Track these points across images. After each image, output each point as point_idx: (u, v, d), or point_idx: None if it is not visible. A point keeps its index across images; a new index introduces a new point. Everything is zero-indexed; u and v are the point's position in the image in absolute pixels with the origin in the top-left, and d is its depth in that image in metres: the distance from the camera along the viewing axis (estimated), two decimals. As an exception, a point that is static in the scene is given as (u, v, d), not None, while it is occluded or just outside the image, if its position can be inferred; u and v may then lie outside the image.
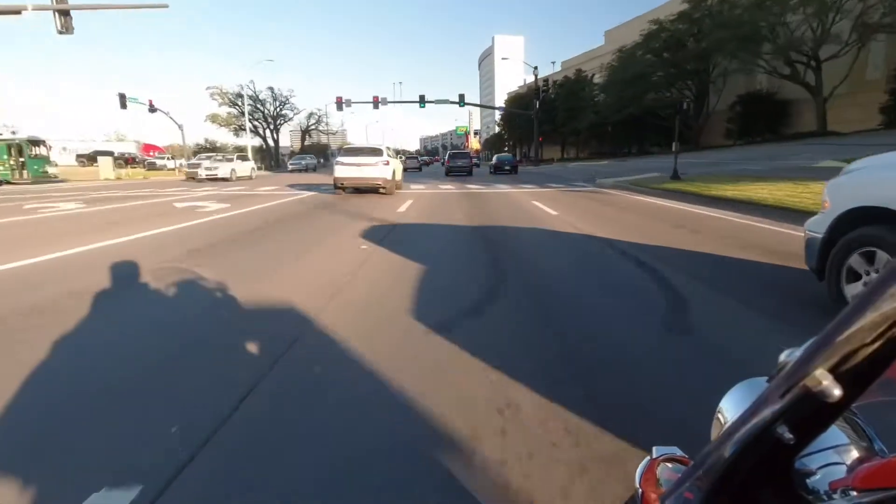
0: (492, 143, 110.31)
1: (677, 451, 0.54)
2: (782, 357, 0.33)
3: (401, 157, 21.45)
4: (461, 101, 37.41)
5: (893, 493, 0.30)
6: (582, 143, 55.99)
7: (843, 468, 0.38)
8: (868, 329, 0.26)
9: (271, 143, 65.13)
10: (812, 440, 0.32)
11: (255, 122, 63.00)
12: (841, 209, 2.78)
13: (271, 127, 63.72)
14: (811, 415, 0.30)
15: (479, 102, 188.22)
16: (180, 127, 42.35)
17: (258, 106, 61.96)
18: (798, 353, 0.31)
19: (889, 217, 2.45)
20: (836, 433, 0.40)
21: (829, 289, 2.87)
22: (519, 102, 65.35)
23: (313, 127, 67.08)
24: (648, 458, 0.54)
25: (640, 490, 0.51)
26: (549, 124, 53.61)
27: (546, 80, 36.39)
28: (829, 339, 0.28)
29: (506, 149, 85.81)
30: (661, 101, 37.07)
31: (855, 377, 0.27)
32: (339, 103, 37.50)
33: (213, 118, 57.83)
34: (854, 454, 0.39)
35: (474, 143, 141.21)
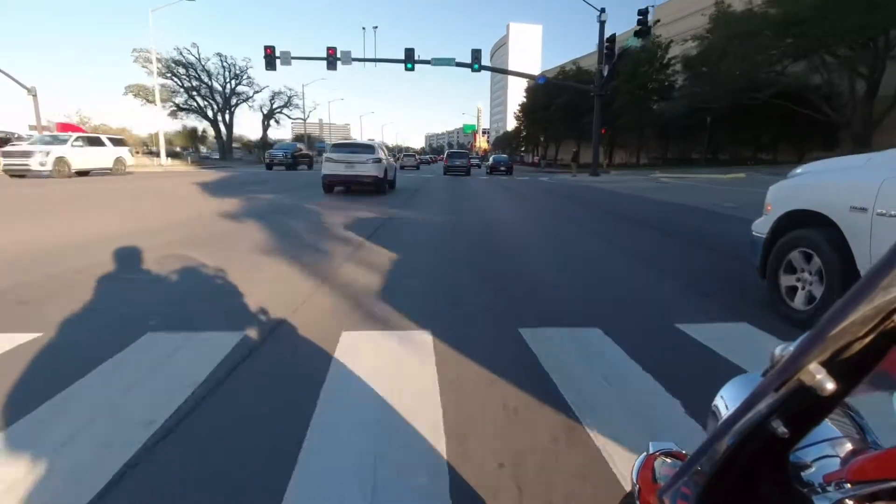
0: (505, 142, 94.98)
1: (673, 447, 0.55)
2: (776, 352, 0.33)
3: (395, 156, 23.53)
4: (475, 63, 21.51)
5: (887, 485, 0.30)
6: (638, 144, 39.53)
7: (837, 461, 0.38)
8: (860, 323, 0.26)
9: (224, 129, 49.12)
10: (806, 434, 0.32)
11: (203, 100, 47.13)
12: (780, 212, 2.98)
13: (221, 107, 47.67)
14: (805, 409, 0.30)
15: (490, 101, 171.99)
16: (30, 91, 26.46)
17: (203, 79, 45.99)
18: (792, 347, 0.31)
19: (819, 220, 2.63)
20: (829, 426, 0.41)
21: (768, 287, 3.04)
22: (545, 91, 49.46)
23: (279, 110, 51.03)
24: (645, 453, 0.55)
25: (638, 485, 0.52)
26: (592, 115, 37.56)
27: (646, 22, 20.34)
28: (823, 334, 0.27)
29: (522, 149, 70.51)
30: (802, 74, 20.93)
31: (848, 371, 0.27)
32: (270, 56, 21.58)
33: (138, 91, 41.84)
34: (848, 447, 0.40)
35: (482, 143, 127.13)
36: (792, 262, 2.87)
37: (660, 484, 0.49)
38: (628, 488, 0.55)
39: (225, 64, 46.40)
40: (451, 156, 27.28)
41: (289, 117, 51.96)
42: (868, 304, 0.25)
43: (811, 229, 2.74)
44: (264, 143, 50.83)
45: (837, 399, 0.28)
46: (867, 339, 0.26)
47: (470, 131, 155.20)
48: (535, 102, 54.58)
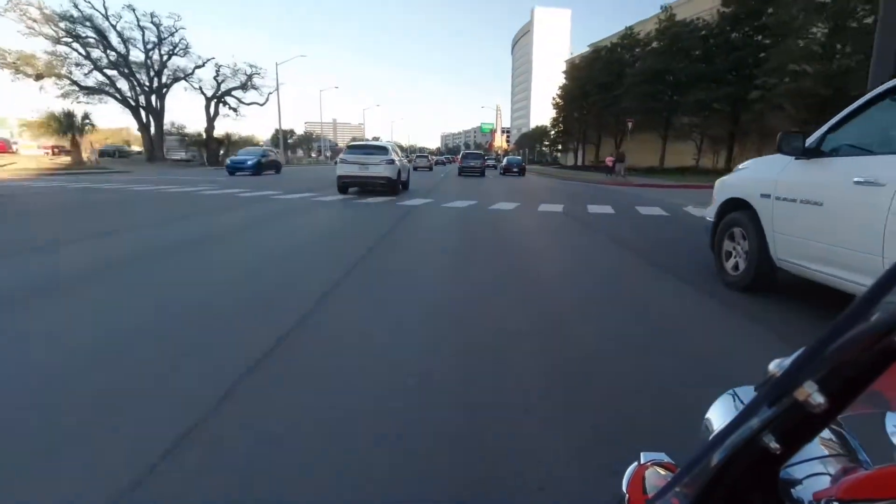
0: (533, 140, 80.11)
1: (665, 458, 0.56)
2: (771, 367, 0.34)
3: (407, 157, 25.09)
4: None
5: None
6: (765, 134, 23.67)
7: (828, 479, 0.40)
8: (856, 341, 0.27)
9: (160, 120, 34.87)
10: (798, 450, 0.32)
11: (124, 78, 32.80)
12: (720, 200, 4.10)
13: (147, 87, 33.05)
14: (798, 425, 0.31)
15: (510, 97, 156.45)
16: None
17: (112, 42, 31.48)
18: (787, 363, 0.32)
19: (744, 205, 3.75)
20: (821, 444, 0.43)
21: (714, 257, 4.23)
22: (608, 59, 34.30)
23: (228, 92, 36.27)
24: (636, 463, 0.57)
25: (627, 495, 0.54)
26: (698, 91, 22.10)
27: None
28: (818, 350, 0.29)
29: (559, 147, 63.45)
30: None
31: (842, 389, 0.28)
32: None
33: (4, 59, 27.54)
34: (839, 465, 0.41)
35: (501, 142, 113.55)
36: (728, 238, 3.99)
37: (649, 495, 0.50)
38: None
39: (146, 24, 31.69)
40: (465, 157, 29.07)
41: (241, 102, 37.27)
42: (864, 323, 0.26)
43: (740, 212, 3.80)
44: (208, 137, 36.07)
45: (830, 417, 0.29)
46: (862, 358, 0.27)
47: (488, 130, 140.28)
48: (589, 78, 38.94)
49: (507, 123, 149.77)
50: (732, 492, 0.35)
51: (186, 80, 38.28)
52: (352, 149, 12.96)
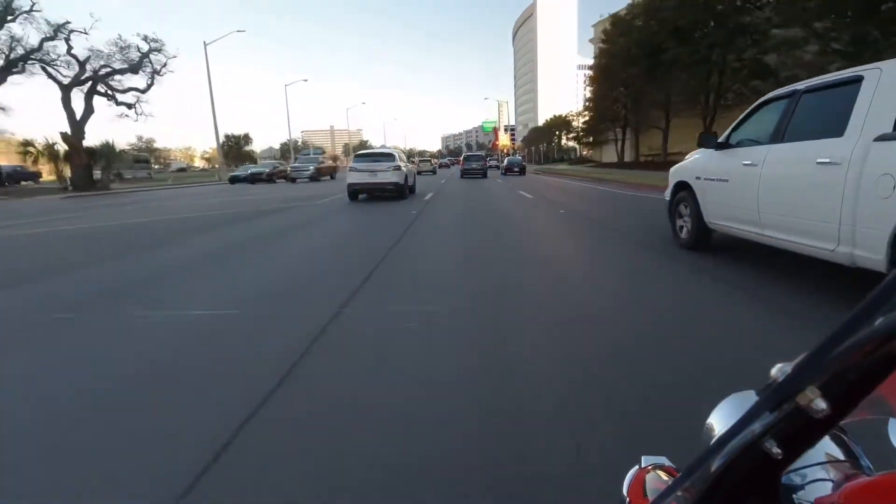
0: (549, 132, 68.91)
1: (665, 461, 0.57)
2: (773, 372, 0.33)
3: (412, 160, 27.37)
4: None
5: None
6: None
7: (830, 485, 0.40)
8: (859, 346, 0.27)
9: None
10: (800, 455, 0.32)
11: None
12: (672, 183, 5.51)
13: None
14: (800, 430, 0.30)
15: (514, 92, 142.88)
16: None
17: None
18: (789, 368, 0.31)
19: (686, 186, 5.11)
20: (823, 450, 0.43)
21: (671, 227, 5.61)
22: (661, 10, 26.85)
23: (105, 78, 22.34)
24: (637, 466, 0.57)
25: (627, 498, 0.54)
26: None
27: None
28: (821, 356, 0.29)
29: (591, 140, 52.66)
30: None
31: (844, 394, 0.28)
32: None
33: None
34: (841, 471, 0.41)
35: (505, 141, 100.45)
36: (680, 210, 5.30)
37: (650, 499, 0.50)
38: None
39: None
40: (467, 159, 29.63)
41: (115, 89, 23.40)
42: (867, 329, 0.26)
43: (685, 191, 5.13)
44: (71, 147, 22.44)
45: (832, 422, 0.29)
46: (865, 363, 0.27)
47: (490, 129, 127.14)
48: (654, 28, 25.44)
49: (511, 120, 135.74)
50: (733, 496, 0.35)
51: (46, 64, 24.97)
52: (360, 157, 13.65)
